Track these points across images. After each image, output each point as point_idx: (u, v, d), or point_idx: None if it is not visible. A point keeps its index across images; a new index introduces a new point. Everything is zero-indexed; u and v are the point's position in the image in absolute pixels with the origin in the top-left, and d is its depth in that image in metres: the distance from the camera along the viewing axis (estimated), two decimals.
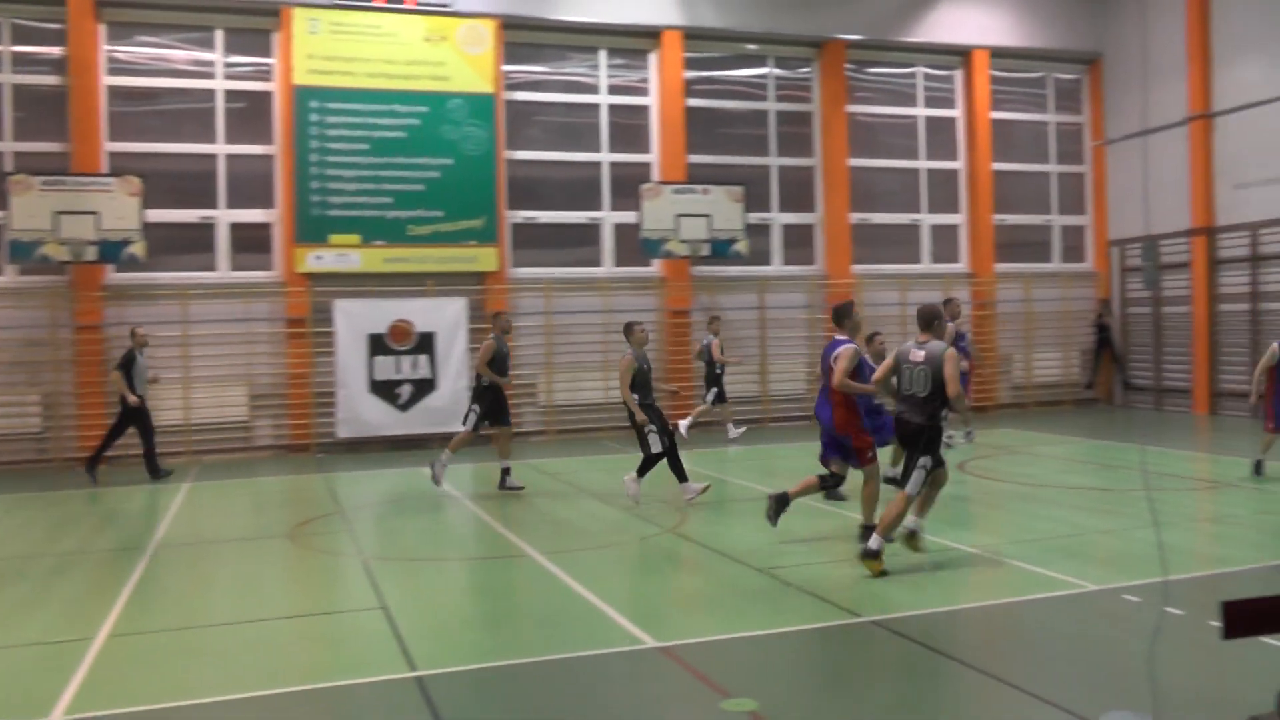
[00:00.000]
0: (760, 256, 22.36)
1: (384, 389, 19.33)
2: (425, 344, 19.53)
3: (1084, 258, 25.66)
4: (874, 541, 8.97)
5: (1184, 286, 23.04)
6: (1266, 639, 2.37)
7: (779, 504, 10.14)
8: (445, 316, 19.70)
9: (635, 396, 12.46)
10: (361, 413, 19.22)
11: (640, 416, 12.42)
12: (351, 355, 19.15)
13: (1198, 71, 22.40)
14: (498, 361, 14.12)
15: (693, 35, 21.85)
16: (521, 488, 14.17)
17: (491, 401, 14.14)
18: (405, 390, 19.43)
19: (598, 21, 21.17)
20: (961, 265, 24.24)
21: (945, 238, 24.31)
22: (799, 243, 23.13)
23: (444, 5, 20.10)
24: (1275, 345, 13.59)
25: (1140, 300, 24.43)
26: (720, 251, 21.12)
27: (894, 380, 9.46)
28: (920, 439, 9.08)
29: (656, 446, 12.43)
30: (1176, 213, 23.04)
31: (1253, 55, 21.39)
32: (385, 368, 19.33)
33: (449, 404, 19.46)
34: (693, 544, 10.75)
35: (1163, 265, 23.58)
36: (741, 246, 21.23)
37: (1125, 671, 6.48)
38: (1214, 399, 22.42)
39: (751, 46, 22.70)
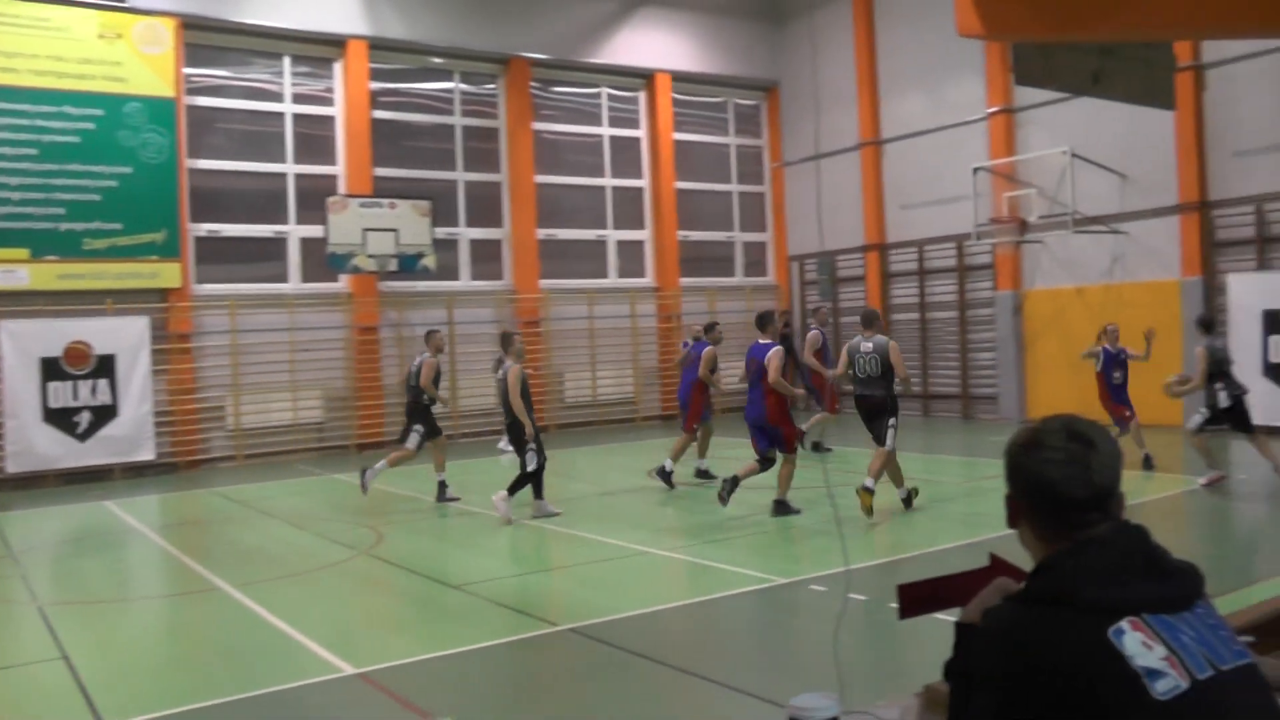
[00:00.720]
0: (448, 272, 22.37)
1: (60, 417, 18.08)
2: (105, 367, 18.43)
3: (766, 272, 27.04)
4: (869, 483, 11.41)
5: (860, 298, 24.65)
6: (938, 615, 2.72)
7: (731, 485, 12.05)
8: (126, 337, 18.65)
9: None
10: (35, 444, 17.87)
11: (530, 430, 12.32)
12: (22, 381, 17.82)
13: (867, 102, 24.20)
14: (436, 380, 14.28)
15: (378, 46, 21.64)
16: (458, 499, 14.15)
17: (429, 418, 14.17)
18: (84, 418, 18.25)
19: (281, 26, 20.57)
20: (647, 280, 25.05)
21: (631, 253, 25.07)
22: (487, 258, 23.31)
23: (119, 0, 19.01)
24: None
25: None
26: (408, 266, 20.95)
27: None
28: (883, 408, 11.97)
29: (532, 464, 12.39)
30: (852, 230, 24.71)
31: (914, 89, 23.38)
32: (61, 394, 18.07)
33: (132, 431, 18.57)
34: (388, 565, 10.77)
35: (839, 278, 25.19)
36: (429, 261, 21.15)
37: (814, 656, 6.98)
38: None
39: (437, 60, 22.70)
